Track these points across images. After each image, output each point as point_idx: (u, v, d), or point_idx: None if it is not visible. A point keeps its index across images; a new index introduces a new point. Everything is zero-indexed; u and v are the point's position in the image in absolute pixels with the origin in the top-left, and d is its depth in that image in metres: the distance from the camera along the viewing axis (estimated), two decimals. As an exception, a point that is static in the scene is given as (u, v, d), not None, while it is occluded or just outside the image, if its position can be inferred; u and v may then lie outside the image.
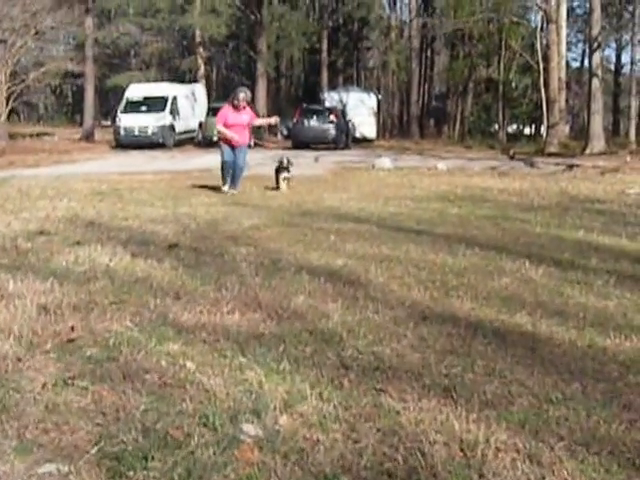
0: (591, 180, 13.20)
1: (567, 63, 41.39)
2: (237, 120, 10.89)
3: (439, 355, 3.14)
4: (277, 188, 10.99)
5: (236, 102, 10.90)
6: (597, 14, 24.27)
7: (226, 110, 11.06)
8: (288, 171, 11.13)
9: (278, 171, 11.19)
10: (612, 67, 47.80)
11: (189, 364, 2.93)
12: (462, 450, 2.22)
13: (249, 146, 11.72)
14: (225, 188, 10.70)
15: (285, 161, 11.16)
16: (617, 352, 3.21)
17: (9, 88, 28.50)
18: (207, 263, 5.12)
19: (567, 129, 36.35)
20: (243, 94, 11.04)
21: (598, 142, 24.28)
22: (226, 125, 10.91)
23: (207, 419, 2.41)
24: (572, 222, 7.54)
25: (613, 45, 45.67)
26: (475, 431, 2.34)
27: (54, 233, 6.36)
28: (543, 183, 12.50)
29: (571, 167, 16.52)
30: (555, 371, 2.96)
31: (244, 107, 11.00)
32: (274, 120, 13.13)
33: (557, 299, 4.19)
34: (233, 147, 10.88)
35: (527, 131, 47.85)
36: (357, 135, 31.20)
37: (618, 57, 47.22)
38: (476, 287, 4.41)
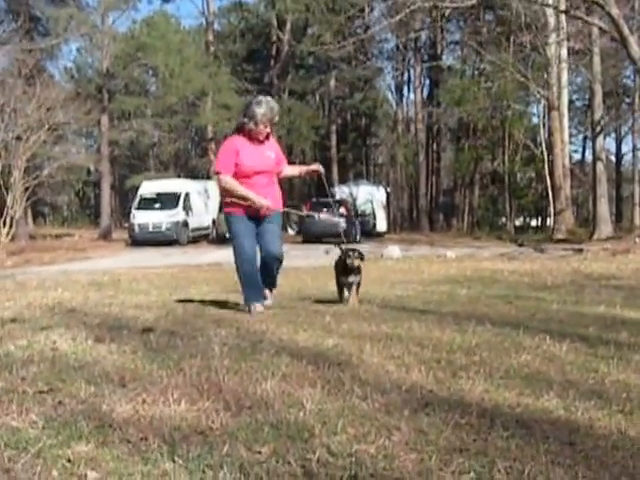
0: (603, 260, 12.53)
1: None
2: (257, 161, 5.80)
3: (444, 454, 2.31)
4: (340, 299, 6.48)
5: (252, 125, 5.70)
6: (599, 98, 24.28)
7: (233, 144, 5.86)
8: (358, 272, 6.41)
9: (343, 272, 6.41)
10: (613, 157, 48.06)
11: (91, 474, 2.11)
12: None
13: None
14: (254, 307, 5.92)
15: (353, 256, 6.32)
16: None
17: (24, 184, 28.52)
18: (176, 346, 4.34)
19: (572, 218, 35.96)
20: (265, 108, 5.72)
21: (606, 227, 23.80)
22: (237, 175, 5.80)
23: None
24: (590, 298, 6.82)
25: (613, 135, 46.07)
26: None
27: (27, 320, 5.66)
28: (554, 265, 11.80)
29: (580, 250, 15.91)
30: (607, 474, 2.13)
31: (267, 136, 5.87)
32: (317, 167, 6.37)
33: (590, 377, 3.37)
34: (256, 219, 5.93)
35: (534, 223, 47.83)
36: (367, 229, 30.85)
37: (618, 146, 47.58)
38: (490, 365, 3.57)
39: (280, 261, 6.10)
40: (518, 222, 44.79)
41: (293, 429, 2.55)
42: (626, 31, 18.58)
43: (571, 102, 39.85)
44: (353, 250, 6.40)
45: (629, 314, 5.64)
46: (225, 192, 6.00)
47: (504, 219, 40.41)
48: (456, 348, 4.06)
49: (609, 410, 2.78)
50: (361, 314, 5.77)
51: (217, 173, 6.02)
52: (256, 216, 5.90)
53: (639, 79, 29.25)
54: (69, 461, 2.23)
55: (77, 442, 2.40)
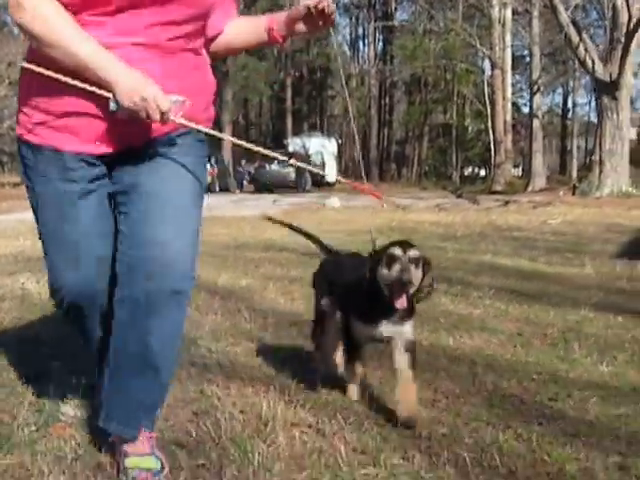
0: (521, 212, 13.68)
1: (519, 108, 42.93)
2: None
3: (290, 352, 3.34)
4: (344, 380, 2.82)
5: None
6: (536, 59, 25.43)
7: None
8: (409, 314, 2.47)
9: (366, 308, 2.45)
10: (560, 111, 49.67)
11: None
12: None
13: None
14: None
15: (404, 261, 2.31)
16: (456, 348, 3.45)
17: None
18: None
19: (514, 170, 37.44)
20: None
21: (540, 179, 25.17)
22: (82, 7, 1.80)
23: None
24: (485, 247, 7.86)
25: (560, 90, 47.55)
26: None
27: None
28: (475, 216, 12.92)
29: (507, 202, 17.07)
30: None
31: None
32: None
33: (431, 308, 4.44)
34: (120, 162, 2.02)
35: (483, 173, 49.26)
36: (317, 179, 31.77)
37: (564, 101, 49.06)
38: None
39: (181, 305, 2.01)
40: (467, 172, 46.22)
41: (188, 341, 3.54)
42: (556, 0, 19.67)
43: (522, 57, 40.94)
44: (401, 243, 2.38)
45: (505, 261, 6.68)
46: (37, 58, 1.88)
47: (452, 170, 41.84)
48: None
49: (427, 328, 3.84)
50: (279, 260, 6.80)
51: None
52: (126, 149, 1.99)
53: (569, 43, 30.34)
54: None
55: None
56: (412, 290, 2.31)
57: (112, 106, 1.80)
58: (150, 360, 1.97)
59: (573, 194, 19.90)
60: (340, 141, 39.81)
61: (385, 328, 2.41)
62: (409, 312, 2.42)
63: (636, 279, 5.40)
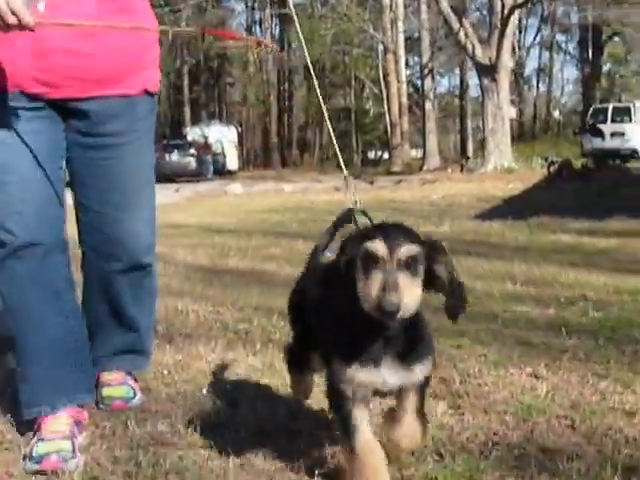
0: (410, 190, 14.65)
1: (418, 90, 44.47)
2: None
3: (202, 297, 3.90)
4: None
5: None
6: (425, 44, 26.62)
7: None
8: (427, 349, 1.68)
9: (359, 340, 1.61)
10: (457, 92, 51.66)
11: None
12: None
13: None
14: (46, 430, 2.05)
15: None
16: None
17: None
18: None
19: (414, 151, 38.89)
20: None
21: (433, 159, 26.44)
22: None
23: None
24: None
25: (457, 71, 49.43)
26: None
27: None
28: (367, 195, 13.75)
29: (400, 181, 18.08)
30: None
31: None
32: None
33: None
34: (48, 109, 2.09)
35: (386, 156, 50.74)
36: (218, 167, 32.06)
37: (462, 82, 51.02)
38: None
39: (147, 268, 2.32)
40: (371, 156, 47.50)
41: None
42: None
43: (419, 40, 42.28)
44: (385, 229, 1.53)
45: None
46: None
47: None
48: (228, 248, 5.93)
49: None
50: (187, 234, 7.51)
51: None
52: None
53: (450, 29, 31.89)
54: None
55: None
56: (407, 312, 1.44)
57: None
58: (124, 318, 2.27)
59: (461, 171, 21.17)
60: (240, 129, 40.12)
61: (388, 374, 1.56)
62: (421, 346, 1.59)
63: (480, 233, 6.47)
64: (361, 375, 1.54)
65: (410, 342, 1.56)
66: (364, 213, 1.73)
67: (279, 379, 2.47)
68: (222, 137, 34.41)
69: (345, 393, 1.57)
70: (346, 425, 1.59)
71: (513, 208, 9.28)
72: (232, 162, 34.62)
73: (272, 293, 4.01)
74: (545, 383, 2.45)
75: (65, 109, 2.04)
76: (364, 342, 1.53)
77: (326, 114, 2.16)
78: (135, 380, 2.38)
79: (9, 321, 2.04)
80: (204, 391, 2.38)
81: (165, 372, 2.58)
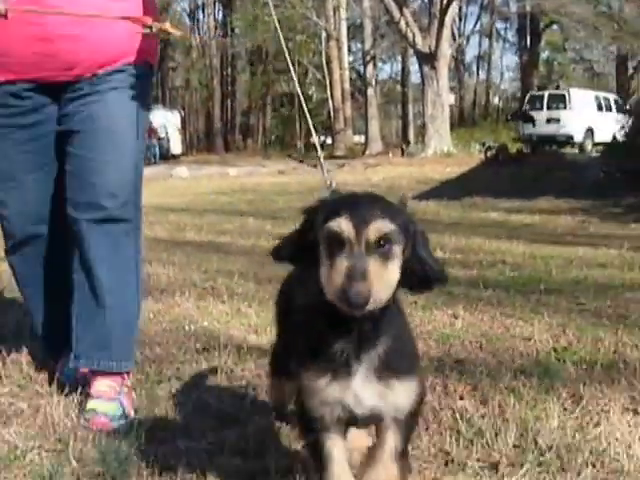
0: (352, 173, 15.25)
1: (361, 76, 45.12)
2: None
3: (184, 271, 4.33)
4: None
5: None
6: (367, 31, 27.19)
7: None
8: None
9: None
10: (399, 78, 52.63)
11: None
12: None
13: None
14: None
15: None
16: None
17: None
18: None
19: (357, 136, 39.56)
20: None
21: (376, 144, 27.13)
22: None
23: None
24: (288, 200, 9.36)
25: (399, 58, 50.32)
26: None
27: None
28: (309, 178, 14.28)
29: (343, 165, 18.67)
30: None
31: None
32: None
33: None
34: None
35: (330, 141, 51.29)
36: (162, 152, 32.01)
37: (403, 69, 51.93)
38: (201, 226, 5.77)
39: (119, 222, 2.20)
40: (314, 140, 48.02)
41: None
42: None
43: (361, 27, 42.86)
44: (366, 198, 1.34)
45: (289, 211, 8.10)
46: None
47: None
48: (184, 224, 6.31)
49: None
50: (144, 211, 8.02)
51: None
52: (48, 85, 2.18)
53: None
54: None
55: None
56: (379, 302, 1.21)
57: None
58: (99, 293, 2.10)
59: (402, 156, 21.89)
60: (183, 113, 40.02)
61: (361, 388, 1.30)
62: (402, 360, 1.33)
63: (417, 212, 7.08)
64: (327, 386, 1.26)
65: (389, 352, 1.28)
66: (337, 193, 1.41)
67: (245, 319, 2.97)
68: (166, 122, 34.26)
69: (312, 413, 1.30)
70: (316, 454, 1.34)
71: (449, 190, 9.97)
72: (176, 146, 34.57)
73: (231, 259, 4.48)
74: (462, 320, 3.02)
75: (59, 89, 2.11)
76: (330, 343, 1.26)
77: (305, 106, 2.16)
78: (130, 388, 2.18)
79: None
80: (186, 327, 2.86)
81: (151, 316, 3.04)
